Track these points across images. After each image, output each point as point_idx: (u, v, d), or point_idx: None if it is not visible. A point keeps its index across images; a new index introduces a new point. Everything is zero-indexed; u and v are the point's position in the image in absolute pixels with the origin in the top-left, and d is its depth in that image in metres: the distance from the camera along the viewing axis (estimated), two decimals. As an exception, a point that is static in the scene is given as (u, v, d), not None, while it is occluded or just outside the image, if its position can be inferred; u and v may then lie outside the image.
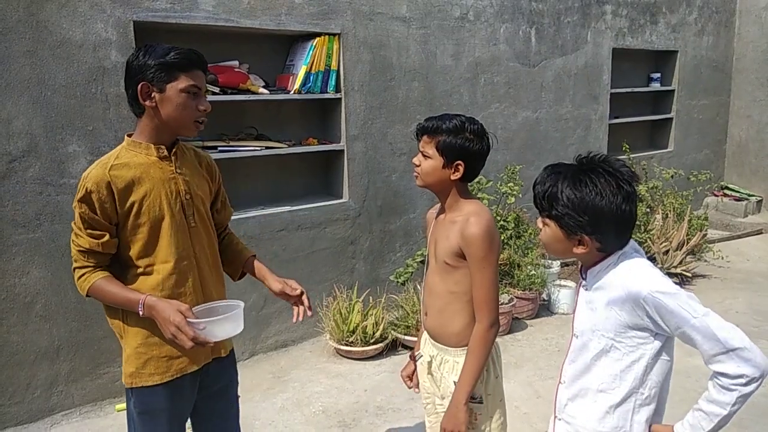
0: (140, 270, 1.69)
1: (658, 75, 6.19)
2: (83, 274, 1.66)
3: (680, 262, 4.78)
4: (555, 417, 1.57)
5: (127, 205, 1.64)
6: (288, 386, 3.39)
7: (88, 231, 1.62)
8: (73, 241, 1.65)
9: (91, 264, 1.66)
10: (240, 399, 3.22)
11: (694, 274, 4.96)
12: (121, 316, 1.72)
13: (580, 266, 1.52)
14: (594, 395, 1.45)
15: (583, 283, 1.50)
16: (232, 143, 3.53)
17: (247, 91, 3.50)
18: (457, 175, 1.74)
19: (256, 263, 1.97)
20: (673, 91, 6.25)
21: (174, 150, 1.73)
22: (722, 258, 5.28)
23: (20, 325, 2.90)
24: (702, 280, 4.97)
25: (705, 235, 5.35)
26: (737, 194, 6.83)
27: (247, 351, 3.67)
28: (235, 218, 3.51)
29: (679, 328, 1.32)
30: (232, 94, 3.43)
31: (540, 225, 1.47)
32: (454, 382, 1.80)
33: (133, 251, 1.68)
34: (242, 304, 1.74)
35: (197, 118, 1.68)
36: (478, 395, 1.78)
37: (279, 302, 3.75)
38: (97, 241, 1.63)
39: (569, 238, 1.40)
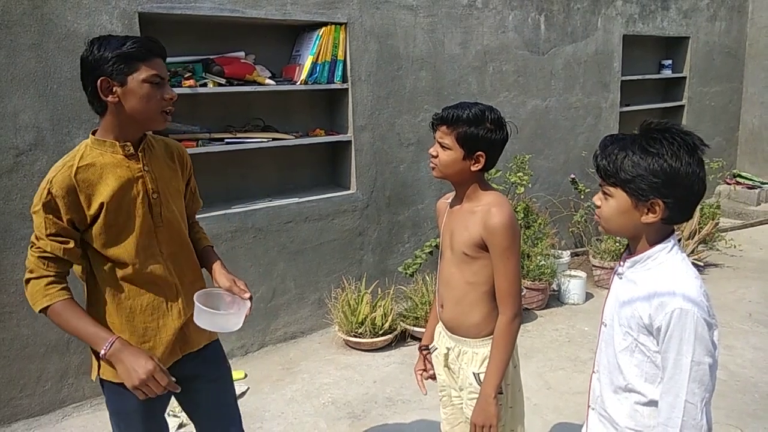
0: (106, 270, 1.62)
1: (670, 62, 6.10)
2: (45, 284, 1.55)
3: (692, 252, 4.72)
4: (589, 407, 1.52)
5: (94, 207, 1.56)
6: (297, 378, 3.39)
7: (52, 238, 1.53)
8: (32, 247, 1.55)
9: (51, 273, 1.55)
10: (249, 390, 3.26)
11: (707, 264, 4.91)
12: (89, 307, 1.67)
13: (621, 252, 1.46)
14: (624, 392, 1.39)
15: (619, 270, 1.43)
16: (238, 135, 3.51)
17: (254, 83, 3.47)
18: (478, 167, 1.71)
19: (210, 255, 1.88)
20: (684, 78, 6.16)
21: (141, 146, 1.65)
22: (735, 247, 5.23)
23: (30, 318, 2.91)
24: (714, 269, 4.91)
25: (717, 223, 5.29)
26: (750, 182, 6.74)
27: (256, 342, 3.67)
28: (243, 210, 3.51)
29: (666, 352, 1.27)
30: (238, 85, 3.41)
31: (599, 200, 1.38)
32: (473, 373, 1.79)
33: (100, 252, 1.60)
34: (248, 304, 1.72)
35: (164, 108, 1.60)
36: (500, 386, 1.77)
37: (288, 294, 3.75)
38: (61, 246, 1.54)
39: (638, 206, 1.30)
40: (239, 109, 3.66)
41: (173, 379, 1.56)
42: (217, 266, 1.83)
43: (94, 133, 1.63)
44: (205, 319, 1.65)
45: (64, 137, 2.89)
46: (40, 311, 1.55)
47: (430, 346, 2.00)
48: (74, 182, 1.53)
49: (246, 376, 3.40)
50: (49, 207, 1.52)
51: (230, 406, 1.94)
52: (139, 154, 1.64)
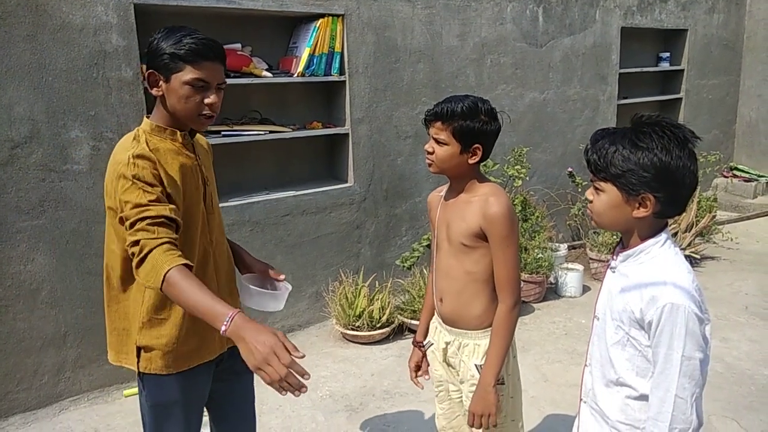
0: None
1: (668, 54, 6.08)
2: (164, 250, 1.39)
3: (689, 244, 4.73)
4: (581, 400, 1.52)
5: (170, 188, 1.53)
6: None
7: (154, 204, 1.45)
8: (134, 225, 1.42)
9: (165, 239, 1.42)
10: (247, 384, 3.25)
11: (703, 256, 4.92)
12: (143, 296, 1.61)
13: (614, 246, 1.46)
14: (615, 386, 1.39)
15: (612, 264, 1.43)
16: (235, 128, 3.49)
17: (251, 75, 3.45)
18: (475, 159, 1.72)
19: (231, 243, 1.93)
20: (682, 70, 6.15)
21: (192, 136, 1.70)
22: (731, 240, 5.24)
23: (26, 312, 2.90)
24: (711, 262, 4.92)
25: (714, 216, 5.30)
26: (747, 175, 6.75)
27: (253, 336, 3.67)
28: (240, 203, 3.50)
29: (657, 346, 1.27)
30: (235, 77, 3.38)
31: (591, 195, 1.38)
32: (476, 365, 1.79)
33: None
34: (289, 285, 1.85)
35: (202, 112, 1.59)
36: (501, 376, 1.77)
37: (285, 287, 3.74)
38: (166, 206, 1.46)
39: (629, 200, 1.30)
40: (236, 101, 3.63)
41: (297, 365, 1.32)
42: (243, 252, 1.92)
43: (147, 117, 1.64)
44: (257, 300, 1.71)
45: (59, 130, 2.87)
46: (162, 281, 1.37)
47: (425, 343, 1.99)
48: (153, 157, 1.52)
49: None
50: (141, 178, 1.47)
51: (251, 404, 2.00)
52: (192, 143, 1.69)
